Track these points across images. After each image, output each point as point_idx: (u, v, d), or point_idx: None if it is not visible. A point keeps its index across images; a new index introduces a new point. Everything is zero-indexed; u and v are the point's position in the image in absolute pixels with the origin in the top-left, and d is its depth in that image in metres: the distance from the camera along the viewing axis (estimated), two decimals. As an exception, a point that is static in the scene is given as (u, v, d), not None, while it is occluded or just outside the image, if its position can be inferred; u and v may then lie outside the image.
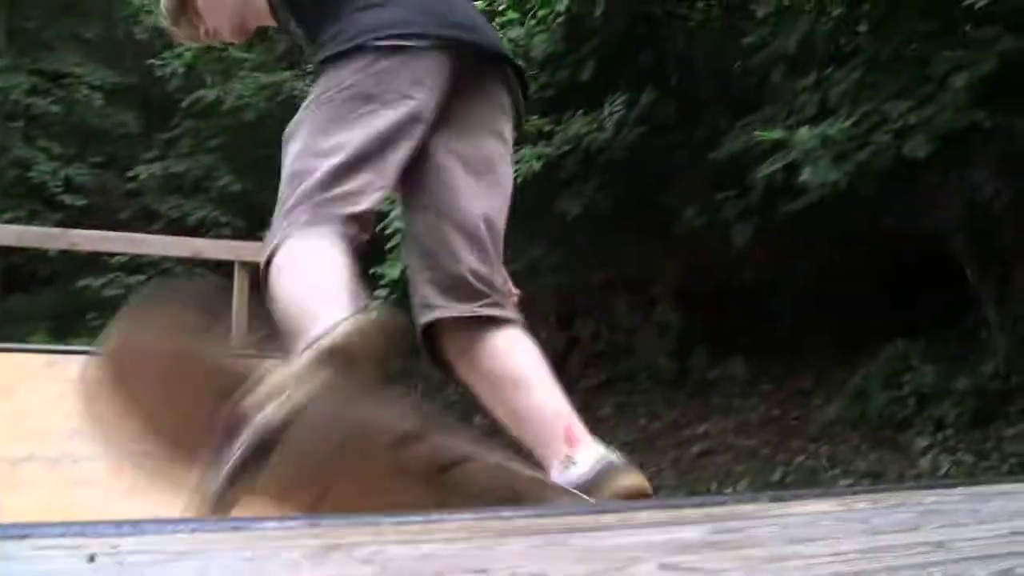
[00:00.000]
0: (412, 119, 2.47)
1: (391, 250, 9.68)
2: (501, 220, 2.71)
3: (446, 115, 2.55)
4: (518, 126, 2.76)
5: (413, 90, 2.46)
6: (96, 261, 14.93)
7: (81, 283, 16.58)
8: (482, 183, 2.64)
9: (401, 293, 10.48)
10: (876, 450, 8.23)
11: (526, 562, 1.43)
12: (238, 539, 1.45)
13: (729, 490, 8.23)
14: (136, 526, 1.43)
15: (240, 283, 9.24)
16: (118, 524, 1.46)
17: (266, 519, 1.54)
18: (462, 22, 2.61)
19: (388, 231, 9.56)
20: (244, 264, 9.31)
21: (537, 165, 8.98)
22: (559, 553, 1.51)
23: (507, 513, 1.75)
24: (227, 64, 16.88)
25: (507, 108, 2.69)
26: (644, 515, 1.80)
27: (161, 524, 1.53)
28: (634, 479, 2.48)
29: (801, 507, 1.89)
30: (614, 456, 2.53)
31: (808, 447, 8.74)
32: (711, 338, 10.53)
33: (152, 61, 16.66)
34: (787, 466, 8.52)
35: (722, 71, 9.73)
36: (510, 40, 9.40)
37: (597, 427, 8.55)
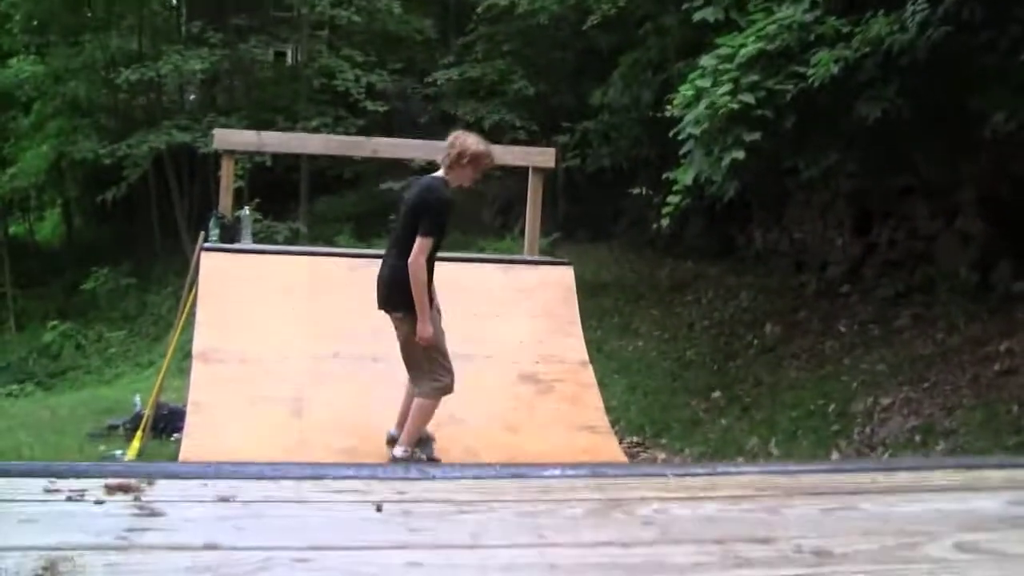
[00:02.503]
0: None
1: (684, 155, 9.58)
2: None
3: None
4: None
5: None
6: (396, 165, 15.51)
7: (383, 186, 17.27)
8: None
9: (695, 198, 10.42)
10: None
11: (811, 531, 1.40)
12: (520, 489, 1.48)
13: (1034, 414, 7.78)
14: (423, 471, 1.49)
15: (534, 186, 9.46)
16: (406, 468, 1.52)
17: (548, 467, 1.56)
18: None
19: (681, 137, 9.47)
20: (536, 170, 9.52)
21: (835, 68, 8.60)
22: (847, 522, 1.46)
23: (794, 468, 1.71)
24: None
25: None
26: (939, 476, 1.72)
27: (447, 470, 1.59)
28: None
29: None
30: None
31: (1126, 369, 8.16)
32: (1017, 250, 9.92)
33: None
34: (1100, 389, 7.99)
35: (1039, -37, 9.00)
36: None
37: (892, 338, 8.30)
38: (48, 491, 1.40)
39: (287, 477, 1.46)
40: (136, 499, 1.39)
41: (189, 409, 7.12)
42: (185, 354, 8.83)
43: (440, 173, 6.72)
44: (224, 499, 1.40)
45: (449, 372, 6.66)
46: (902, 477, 1.69)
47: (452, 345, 6.74)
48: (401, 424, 6.80)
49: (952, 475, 1.72)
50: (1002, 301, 9.84)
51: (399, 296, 6.51)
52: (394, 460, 6.48)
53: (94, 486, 1.42)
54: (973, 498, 1.57)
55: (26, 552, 1.18)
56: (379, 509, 1.38)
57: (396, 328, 6.66)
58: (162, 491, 1.43)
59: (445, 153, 6.69)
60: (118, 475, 1.46)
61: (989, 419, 7.99)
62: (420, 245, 6.38)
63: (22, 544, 1.21)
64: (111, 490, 1.41)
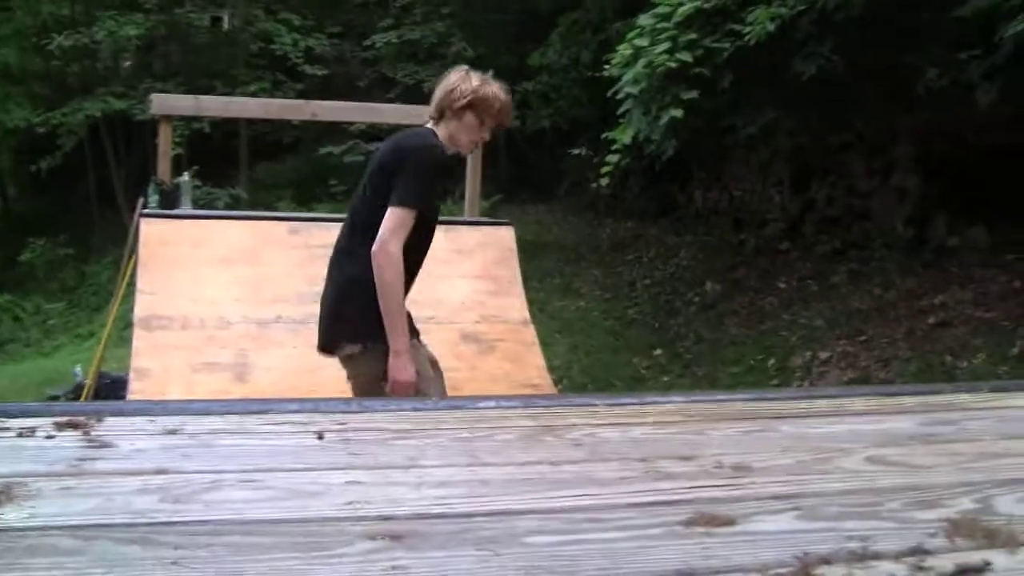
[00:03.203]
0: None
1: (623, 115, 9.65)
2: None
3: None
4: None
5: None
6: (336, 129, 15.44)
7: (322, 151, 17.20)
8: None
9: (634, 158, 10.51)
10: None
11: (733, 449, 1.48)
12: (457, 418, 1.55)
13: (964, 364, 7.98)
14: (364, 405, 1.55)
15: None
16: (347, 402, 1.59)
17: (483, 399, 1.63)
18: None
19: (619, 97, 9.54)
20: (475, 132, 9.57)
21: (771, 26, 8.70)
22: (767, 441, 1.54)
23: (721, 396, 1.79)
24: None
25: None
26: (859, 402, 1.81)
27: (387, 404, 1.65)
28: None
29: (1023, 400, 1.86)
30: None
31: (1052, 320, 8.38)
32: (951, 205, 10.13)
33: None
34: (1028, 339, 8.20)
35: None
36: None
37: (830, 294, 8.45)
38: (-2, 429, 1.44)
39: (232, 412, 1.52)
40: (86, 434, 1.44)
41: (132, 376, 7.08)
42: (126, 324, 8.78)
43: (428, 126, 4.36)
44: (171, 432, 1.46)
45: None
46: (822, 404, 1.78)
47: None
48: None
49: (870, 401, 1.81)
50: (936, 255, 10.05)
51: (349, 316, 4.17)
52: None
53: (44, 423, 1.47)
54: (887, 420, 1.66)
55: (-20, 480, 1.22)
56: (320, 437, 1.44)
57: (348, 375, 4.32)
58: (111, 426, 1.48)
59: (436, 98, 4.34)
60: (66, 413, 1.50)
61: (924, 370, 8.19)
62: (393, 219, 3.97)
63: (-25, 474, 1.25)
64: (60, 427, 1.45)
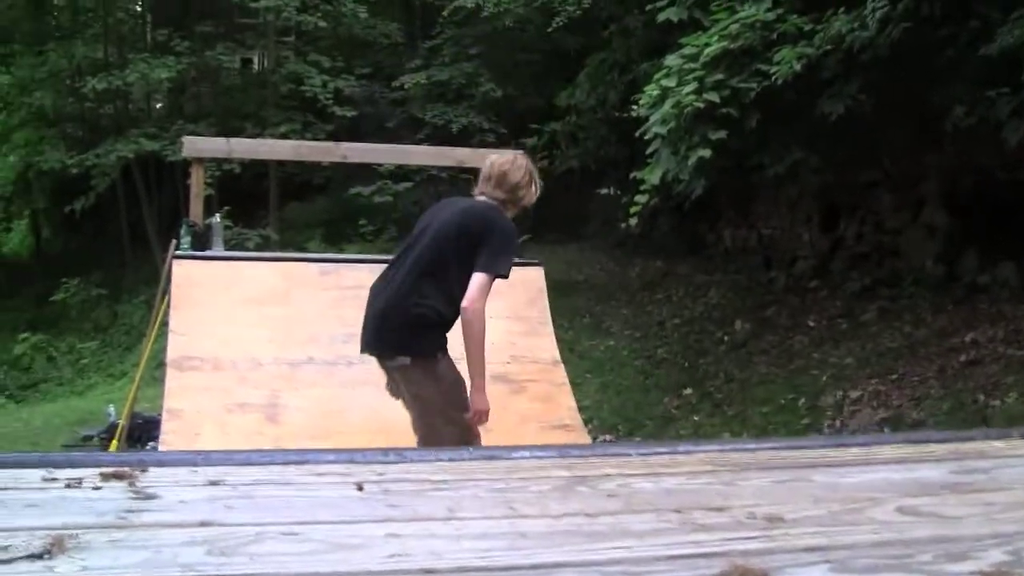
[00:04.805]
0: None
1: (651, 155, 9.69)
2: None
3: None
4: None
5: None
6: (365, 169, 15.54)
7: (352, 191, 17.33)
8: None
9: (662, 197, 10.54)
10: None
11: (765, 499, 1.49)
12: (492, 469, 1.58)
13: (997, 403, 7.93)
14: (401, 454, 1.58)
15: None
16: (384, 452, 1.61)
17: (518, 449, 1.66)
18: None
19: (647, 137, 9.58)
20: (504, 173, 9.63)
21: (798, 65, 8.73)
22: (799, 491, 1.56)
23: (751, 445, 1.81)
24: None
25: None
26: (889, 450, 1.83)
27: (423, 453, 1.68)
28: None
29: (1055, 446, 1.86)
30: None
31: (1086, 358, 8.32)
32: (981, 241, 10.10)
33: (414, -27, 17.02)
34: (1062, 378, 8.15)
35: (996, -42, 9.17)
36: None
37: (860, 332, 8.42)
38: (46, 480, 1.48)
39: (273, 463, 1.55)
40: (131, 484, 1.48)
41: (164, 417, 7.15)
42: (158, 363, 8.86)
43: (489, 200, 5.10)
44: (214, 483, 1.49)
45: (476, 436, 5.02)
46: (853, 452, 1.79)
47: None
48: None
49: (901, 449, 1.82)
50: (967, 292, 10.01)
51: (410, 336, 4.92)
52: None
53: (90, 474, 1.50)
54: (918, 468, 1.67)
55: (32, 532, 1.26)
56: (360, 488, 1.47)
57: (399, 380, 5.13)
58: (155, 477, 1.52)
59: (504, 188, 5.08)
60: (112, 464, 1.54)
61: (956, 409, 8.14)
62: (482, 284, 4.73)
63: (27, 525, 1.29)
64: (106, 477, 1.49)
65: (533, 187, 5.16)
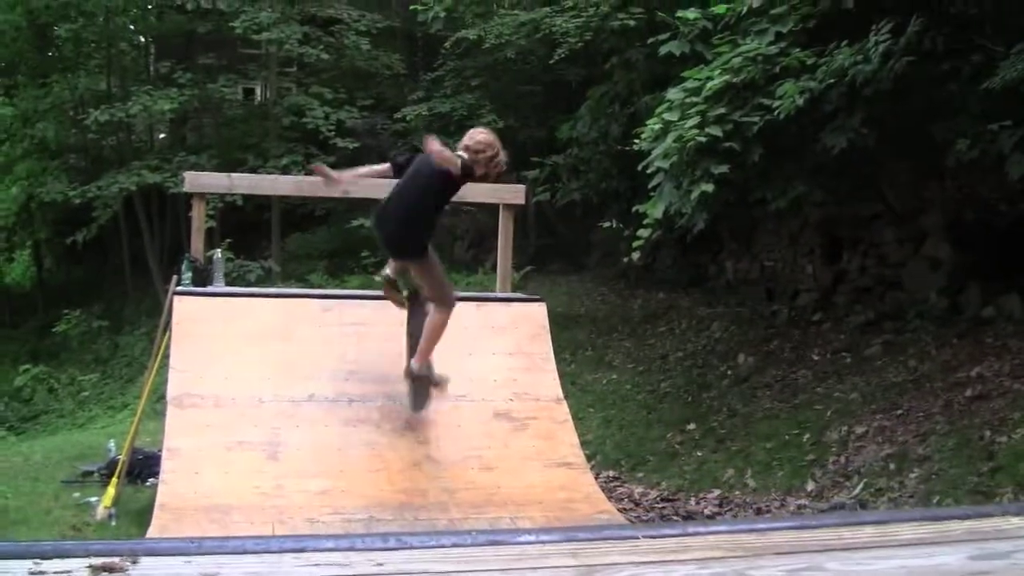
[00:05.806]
0: None
1: (653, 188, 9.66)
2: None
3: None
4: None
5: None
6: (367, 200, 15.52)
7: (354, 222, 17.32)
8: None
9: (665, 230, 10.51)
10: None
11: (778, 594, 1.44)
12: (496, 557, 1.52)
13: (1004, 439, 7.85)
14: (401, 540, 1.52)
15: (505, 223, 9.53)
16: (384, 538, 1.56)
17: (523, 532, 1.61)
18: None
19: (650, 171, 9.55)
20: (507, 206, 9.59)
21: (800, 99, 8.72)
22: (813, 582, 1.51)
23: (762, 525, 1.76)
24: (487, 4, 17.12)
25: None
26: (906, 529, 1.77)
27: (424, 539, 1.63)
28: None
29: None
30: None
31: (1094, 392, 8.25)
32: (984, 274, 10.05)
33: (415, 6, 17.02)
34: (1070, 413, 8.07)
35: (997, -7, 9.17)
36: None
37: (864, 366, 8.33)
38: (33, 573, 1.43)
39: (269, 551, 1.50)
40: (121, 579, 1.43)
41: (164, 455, 7.10)
42: (159, 396, 8.81)
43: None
44: (207, 577, 1.44)
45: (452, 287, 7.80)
46: (867, 532, 1.74)
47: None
48: (412, 352, 7.24)
49: (917, 529, 1.77)
50: (971, 326, 9.95)
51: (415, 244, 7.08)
52: (412, 375, 7.17)
53: (79, 566, 1.45)
54: (936, 553, 1.62)
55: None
56: (359, 585, 1.42)
57: (411, 268, 7.36)
58: (147, 568, 1.46)
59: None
60: (101, 554, 1.49)
61: (962, 445, 8.07)
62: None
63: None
64: (96, 570, 1.44)
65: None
